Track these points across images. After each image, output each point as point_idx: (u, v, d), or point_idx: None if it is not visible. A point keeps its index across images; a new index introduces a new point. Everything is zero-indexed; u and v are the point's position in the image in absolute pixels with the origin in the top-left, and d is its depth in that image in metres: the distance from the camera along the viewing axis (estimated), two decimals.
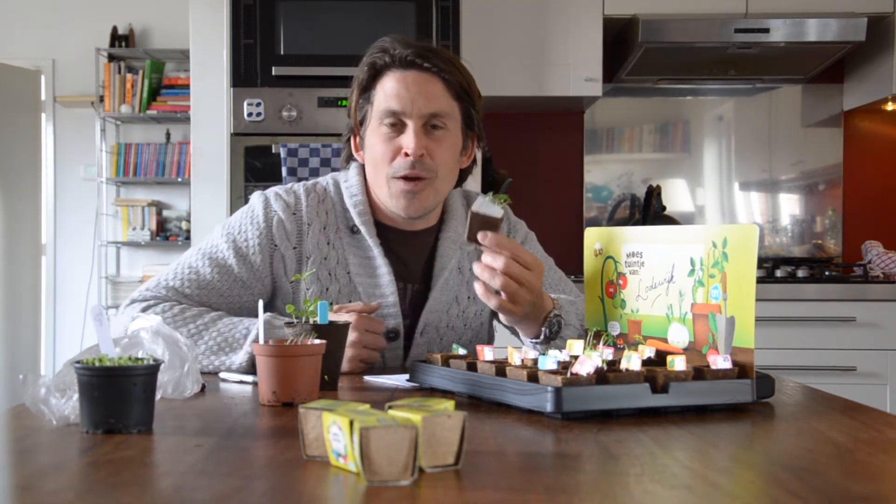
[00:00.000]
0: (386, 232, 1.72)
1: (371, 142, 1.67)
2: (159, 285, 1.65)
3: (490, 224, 1.44)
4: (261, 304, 1.35)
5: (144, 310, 1.58)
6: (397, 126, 1.63)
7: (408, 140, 1.62)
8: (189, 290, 1.64)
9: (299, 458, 0.90)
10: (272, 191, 1.73)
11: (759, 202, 4.28)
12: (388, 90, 1.63)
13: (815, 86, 4.20)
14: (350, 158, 1.76)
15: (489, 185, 3.89)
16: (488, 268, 1.44)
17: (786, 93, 4.22)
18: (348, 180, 1.75)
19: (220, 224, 1.74)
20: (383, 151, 1.64)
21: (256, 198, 1.72)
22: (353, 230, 1.71)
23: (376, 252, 1.69)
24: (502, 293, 1.44)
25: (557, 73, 3.80)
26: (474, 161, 1.79)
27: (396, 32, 1.74)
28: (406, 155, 1.62)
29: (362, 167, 1.75)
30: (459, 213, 1.78)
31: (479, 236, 1.44)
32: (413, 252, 1.74)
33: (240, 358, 1.52)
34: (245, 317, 1.62)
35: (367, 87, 1.67)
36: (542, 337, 1.56)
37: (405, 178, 1.63)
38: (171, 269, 1.68)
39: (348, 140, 1.75)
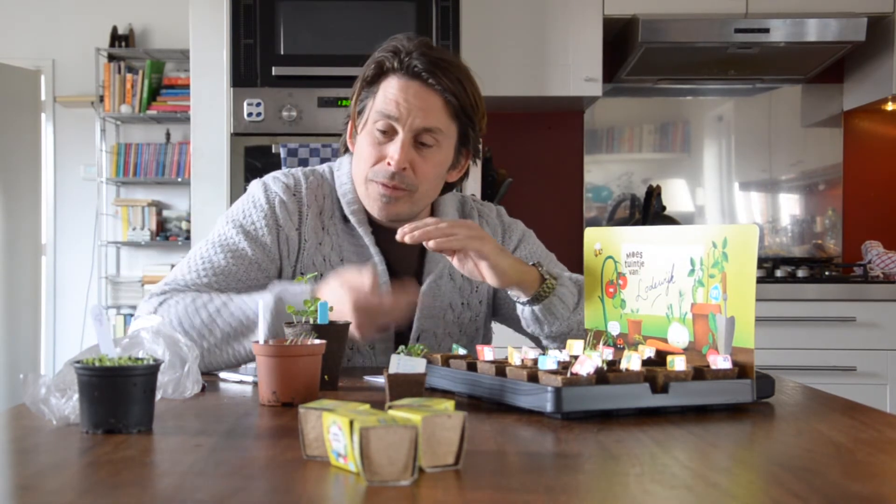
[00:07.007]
0: (375, 226, 1.72)
1: (361, 140, 1.67)
2: (176, 280, 1.64)
3: (415, 383, 1.22)
4: (261, 304, 1.34)
5: (161, 304, 1.57)
6: (388, 133, 1.63)
7: (394, 150, 1.62)
8: (207, 279, 1.63)
9: (299, 458, 0.90)
10: (270, 176, 1.74)
11: (759, 202, 4.28)
12: (389, 94, 1.63)
13: (815, 86, 4.20)
14: (346, 145, 1.77)
15: (489, 185, 3.89)
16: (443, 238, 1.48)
17: (786, 93, 4.22)
18: (340, 169, 1.76)
19: (222, 216, 1.73)
20: (369, 154, 1.65)
21: (255, 183, 1.73)
22: (346, 219, 1.72)
23: (368, 241, 1.69)
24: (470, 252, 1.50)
25: (557, 73, 3.80)
26: (466, 174, 1.78)
27: (396, 32, 1.73)
28: (388, 164, 1.62)
29: None
30: (452, 217, 1.77)
31: (406, 237, 1.45)
32: (400, 250, 1.71)
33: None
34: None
35: (371, 83, 1.66)
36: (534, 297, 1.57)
37: (383, 184, 1.63)
38: (184, 265, 1.67)
39: (346, 126, 1.75)
